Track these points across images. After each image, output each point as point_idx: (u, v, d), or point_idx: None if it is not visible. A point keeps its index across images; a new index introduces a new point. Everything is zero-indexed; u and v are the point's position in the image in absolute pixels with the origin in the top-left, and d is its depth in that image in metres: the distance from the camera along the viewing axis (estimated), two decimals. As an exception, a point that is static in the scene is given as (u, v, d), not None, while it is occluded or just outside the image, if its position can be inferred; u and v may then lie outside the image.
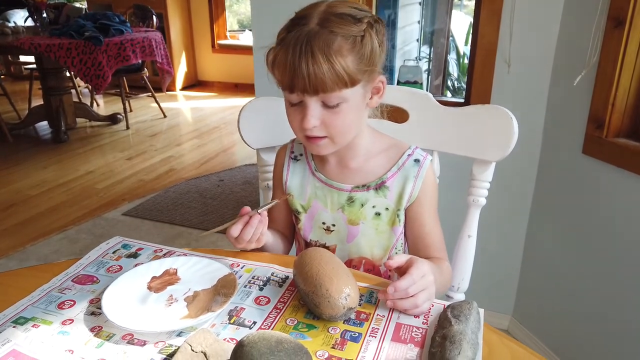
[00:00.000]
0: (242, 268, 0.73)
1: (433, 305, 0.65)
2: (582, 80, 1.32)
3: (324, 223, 0.87)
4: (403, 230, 0.88)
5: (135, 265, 0.73)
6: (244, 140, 1.05)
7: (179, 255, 0.76)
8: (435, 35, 3.02)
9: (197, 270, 0.71)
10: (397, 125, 1.00)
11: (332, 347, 0.58)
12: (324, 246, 0.88)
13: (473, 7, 1.51)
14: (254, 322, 0.62)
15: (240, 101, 5.28)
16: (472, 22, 1.52)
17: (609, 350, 1.34)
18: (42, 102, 4.10)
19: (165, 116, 4.61)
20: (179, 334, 0.60)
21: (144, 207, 2.81)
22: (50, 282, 0.69)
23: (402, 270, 0.67)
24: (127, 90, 4.66)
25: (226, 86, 5.79)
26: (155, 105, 4.69)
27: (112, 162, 3.53)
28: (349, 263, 0.89)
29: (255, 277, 0.71)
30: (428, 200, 0.86)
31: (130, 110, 4.66)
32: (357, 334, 0.60)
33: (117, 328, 0.60)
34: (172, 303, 0.65)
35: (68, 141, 3.93)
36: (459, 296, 1.01)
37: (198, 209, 2.79)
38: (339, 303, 0.59)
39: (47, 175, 3.25)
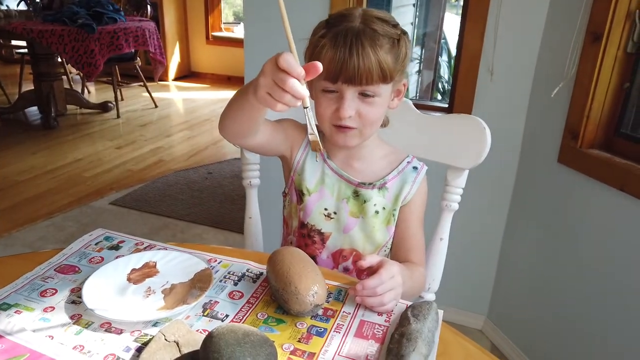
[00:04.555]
0: (219, 263, 0.77)
1: (397, 305, 0.69)
2: (560, 92, 1.37)
3: (325, 209, 0.91)
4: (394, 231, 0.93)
5: (117, 257, 0.76)
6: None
7: (159, 249, 0.80)
8: (428, 37, 3.05)
9: (175, 264, 0.74)
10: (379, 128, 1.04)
11: (298, 341, 0.61)
12: (319, 232, 0.92)
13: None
14: (227, 315, 0.65)
15: (232, 94, 5.28)
16: (459, 30, 1.56)
17: (579, 352, 1.40)
18: (33, 87, 4.08)
19: (156, 106, 4.61)
20: (155, 324, 0.63)
21: (132, 197, 2.83)
22: (33, 271, 0.73)
23: (372, 271, 0.71)
24: (119, 79, 4.65)
25: (219, 78, 5.79)
26: (147, 94, 4.68)
27: (101, 150, 3.53)
28: (340, 252, 0.93)
29: (231, 273, 0.75)
30: (418, 205, 0.93)
31: (122, 99, 4.65)
32: (322, 329, 0.64)
33: (96, 317, 0.63)
34: (149, 295, 0.68)
35: (58, 128, 3.93)
36: (430, 296, 1.05)
37: (185, 200, 2.81)
38: (307, 300, 0.63)
39: (35, 162, 3.25)
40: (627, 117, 1.33)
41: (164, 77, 5.54)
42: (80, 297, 0.66)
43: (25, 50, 4.51)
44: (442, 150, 0.99)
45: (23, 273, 0.72)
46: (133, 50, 3.99)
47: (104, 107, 4.38)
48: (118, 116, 4.25)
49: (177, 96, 5.18)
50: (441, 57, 3.17)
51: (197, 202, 2.79)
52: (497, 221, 1.66)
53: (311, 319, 0.66)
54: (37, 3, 3.99)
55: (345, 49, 0.76)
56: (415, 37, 3.00)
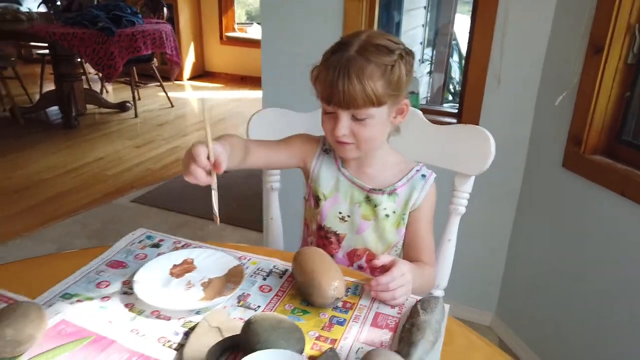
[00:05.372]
0: (248, 260, 0.86)
1: (407, 299, 0.78)
2: (564, 100, 1.44)
3: (340, 213, 1.00)
4: (405, 232, 1.02)
5: (158, 254, 0.86)
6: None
7: (194, 247, 0.89)
8: (439, 38, 3.12)
9: (211, 261, 0.84)
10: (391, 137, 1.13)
11: (322, 329, 0.71)
12: (335, 233, 1.01)
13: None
14: (258, 306, 0.75)
15: (246, 93, 5.39)
16: (468, 36, 1.64)
17: (585, 349, 1.47)
18: (54, 88, 4.21)
19: (172, 106, 4.73)
20: (197, 312, 0.73)
21: (152, 195, 2.94)
22: (87, 265, 0.82)
23: (385, 269, 0.80)
24: (137, 79, 4.76)
25: (233, 78, 5.89)
26: (163, 94, 4.80)
27: (120, 149, 3.65)
28: (354, 252, 1.02)
29: (260, 269, 0.84)
30: (427, 210, 1.01)
31: (139, 99, 4.77)
32: (342, 319, 0.73)
33: (147, 305, 0.73)
34: (190, 287, 0.78)
35: (78, 127, 4.05)
36: (439, 293, 1.14)
37: (203, 198, 2.90)
38: (328, 293, 0.72)
39: (58, 160, 3.37)
40: (628, 125, 1.40)
41: (178, 77, 5.65)
42: (131, 288, 0.76)
43: (46, 51, 4.64)
44: (450, 158, 1.08)
45: (77, 267, 0.82)
46: (150, 52, 4.11)
47: (122, 106, 4.51)
48: (136, 116, 4.37)
49: (192, 95, 5.30)
50: (452, 57, 3.23)
51: (214, 201, 2.89)
52: (505, 222, 1.74)
53: (332, 310, 0.75)
54: (58, 6, 4.11)
55: (334, 76, 0.85)
56: (426, 39, 3.06)
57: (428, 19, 3.08)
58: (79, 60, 4.29)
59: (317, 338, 0.69)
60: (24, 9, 6.20)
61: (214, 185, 0.74)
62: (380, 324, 0.72)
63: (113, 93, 5.17)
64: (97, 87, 5.02)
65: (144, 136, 3.95)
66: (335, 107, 0.88)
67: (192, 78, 5.81)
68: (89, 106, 4.44)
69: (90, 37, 3.53)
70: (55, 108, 4.30)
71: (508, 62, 1.56)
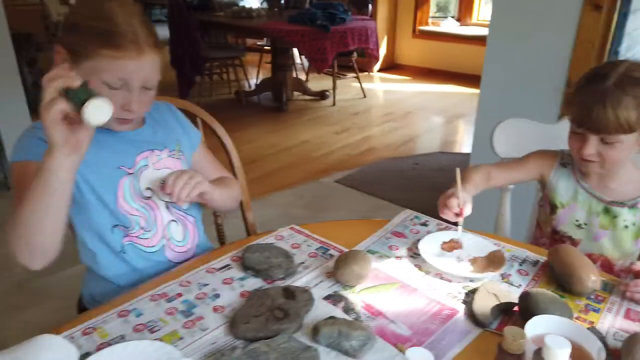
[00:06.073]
0: (503, 248, 1.05)
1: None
2: None
3: (577, 220, 1.13)
4: None
5: (427, 233, 1.10)
6: (492, 149, 1.34)
7: (455, 230, 1.11)
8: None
9: (473, 243, 1.04)
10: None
11: (579, 312, 0.86)
12: (570, 238, 1.14)
13: None
14: (520, 285, 0.93)
15: (434, 87, 5.51)
16: None
17: None
18: (269, 75, 4.89)
19: (365, 96, 5.09)
20: (471, 280, 0.94)
21: (352, 177, 3.30)
22: (378, 232, 1.10)
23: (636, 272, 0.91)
24: (337, 71, 5.24)
25: (420, 71, 6.05)
26: (356, 84, 5.19)
27: (322, 134, 4.11)
28: (589, 256, 1.12)
29: (514, 256, 1.02)
30: None
31: (335, 88, 5.25)
32: (597, 308, 0.87)
33: (432, 268, 0.96)
34: (460, 261, 1.00)
35: (287, 111, 4.65)
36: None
37: (396, 186, 3.18)
38: (588, 285, 0.87)
39: (274, 140, 3.96)
40: None
41: (369, 69, 6.02)
42: (415, 254, 1.01)
43: (265, 43, 5.38)
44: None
45: (370, 232, 1.10)
46: (356, 47, 4.49)
47: (322, 95, 5.02)
48: (334, 104, 4.83)
49: (381, 87, 5.61)
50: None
51: (407, 189, 3.13)
52: None
53: (586, 299, 0.89)
54: (282, 5, 4.72)
55: (588, 105, 0.96)
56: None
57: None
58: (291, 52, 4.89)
59: (576, 318, 0.84)
60: (243, 3, 7.17)
61: (461, 223, 1.00)
62: (633, 318, 0.85)
63: (310, 82, 5.76)
64: (301, 76, 5.63)
65: (341, 123, 4.37)
66: (585, 130, 1.00)
67: (381, 70, 6.12)
68: (295, 93, 5.05)
69: (309, 33, 4.02)
70: (268, 93, 4.99)
71: None
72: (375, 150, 3.76)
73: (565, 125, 1.09)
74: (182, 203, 0.95)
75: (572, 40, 1.81)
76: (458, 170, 1.02)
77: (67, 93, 0.71)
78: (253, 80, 5.47)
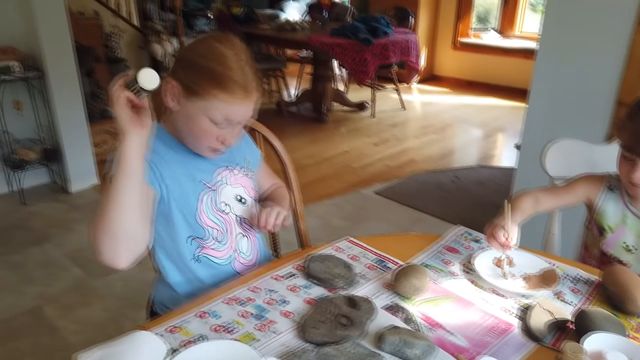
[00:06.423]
0: (555, 266, 1.08)
1: None
2: None
3: (625, 243, 1.16)
4: None
5: (480, 249, 1.14)
6: (543, 169, 1.37)
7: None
8: None
9: (525, 260, 1.08)
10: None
11: (631, 330, 0.89)
12: (619, 260, 1.17)
13: None
14: (573, 302, 0.97)
15: (473, 99, 5.50)
16: None
17: None
18: (309, 86, 4.99)
19: (404, 108, 5.13)
20: (524, 297, 0.98)
21: (391, 189, 3.35)
22: (432, 247, 1.16)
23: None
24: (376, 82, 5.30)
25: (459, 83, 6.04)
26: (395, 96, 5.23)
27: (362, 145, 4.17)
28: None
29: (567, 275, 1.06)
30: None
31: (374, 100, 5.31)
32: (651, 328, 0.90)
33: (487, 284, 1.01)
34: (514, 278, 1.04)
35: (326, 121, 4.74)
36: None
37: (436, 199, 3.20)
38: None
39: (314, 150, 4.04)
40: None
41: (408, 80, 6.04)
42: (469, 269, 1.05)
43: (306, 54, 5.49)
44: None
45: (423, 246, 1.15)
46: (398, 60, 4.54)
47: (361, 106, 5.08)
48: (373, 115, 4.89)
49: (419, 99, 5.63)
50: None
51: (446, 203, 3.15)
52: None
53: (638, 318, 0.92)
54: (325, 18, 4.83)
55: (637, 130, 1.00)
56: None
57: None
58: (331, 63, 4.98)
59: (629, 337, 0.87)
60: (285, 15, 7.33)
61: (505, 254, 1.04)
62: (687, 340, 0.87)
63: (350, 93, 5.83)
64: (340, 87, 5.72)
65: (380, 135, 4.42)
66: (636, 156, 1.03)
67: (419, 81, 6.14)
68: (334, 104, 5.13)
69: (351, 46, 4.10)
70: (308, 103, 5.09)
71: None
72: (414, 163, 3.79)
73: (616, 147, 1.12)
74: (275, 229, 1.10)
75: (623, 60, 1.81)
76: (507, 204, 1.06)
77: (126, 85, 0.83)
78: (293, 90, 5.59)
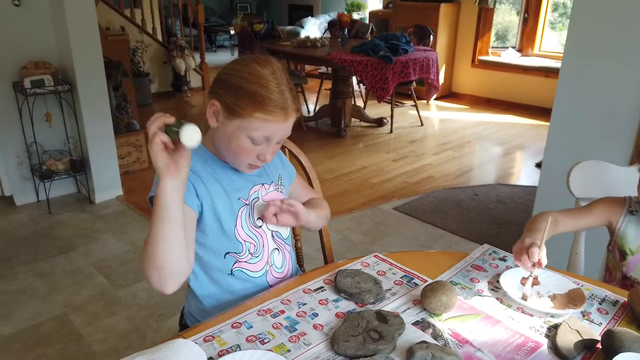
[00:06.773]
0: (582, 286, 1.09)
1: None
2: None
3: None
4: None
5: (506, 267, 1.16)
6: (569, 189, 1.38)
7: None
8: None
9: (552, 280, 1.09)
10: None
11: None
12: None
13: None
14: (601, 323, 0.98)
15: (492, 117, 5.50)
16: None
17: None
18: (328, 101, 5.06)
19: (422, 124, 5.16)
20: (552, 315, 0.99)
21: (410, 205, 3.36)
22: (459, 264, 1.17)
23: None
24: (395, 98, 5.34)
25: (478, 100, 6.06)
26: (413, 112, 5.27)
27: (380, 161, 4.20)
28: None
29: (593, 295, 1.07)
30: None
31: (393, 116, 5.35)
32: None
33: (514, 302, 1.02)
34: (540, 296, 1.05)
35: (345, 137, 4.78)
36: None
37: (455, 217, 3.20)
38: (671, 327, 0.91)
39: (333, 165, 4.08)
40: None
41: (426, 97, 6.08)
42: (495, 287, 1.07)
43: (325, 70, 5.57)
44: None
45: (451, 264, 1.17)
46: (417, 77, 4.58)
47: (379, 122, 5.12)
48: (391, 131, 4.92)
49: (437, 115, 5.65)
50: None
51: (466, 220, 3.15)
52: None
53: (667, 340, 0.93)
54: (345, 35, 4.90)
55: None
56: None
57: None
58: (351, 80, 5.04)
59: (658, 358, 0.88)
60: (304, 32, 7.43)
61: (533, 274, 1.04)
62: None
63: (368, 109, 5.88)
64: (359, 103, 5.77)
65: (399, 151, 4.44)
66: None
67: (437, 98, 6.18)
68: (352, 119, 5.18)
69: (372, 64, 4.16)
70: (326, 119, 5.15)
71: None
72: (432, 179, 3.80)
73: (641, 170, 1.14)
74: (276, 222, 1.08)
75: (646, 81, 1.83)
76: (549, 221, 1.07)
77: (165, 128, 0.84)
78: (311, 105, 5.66)
